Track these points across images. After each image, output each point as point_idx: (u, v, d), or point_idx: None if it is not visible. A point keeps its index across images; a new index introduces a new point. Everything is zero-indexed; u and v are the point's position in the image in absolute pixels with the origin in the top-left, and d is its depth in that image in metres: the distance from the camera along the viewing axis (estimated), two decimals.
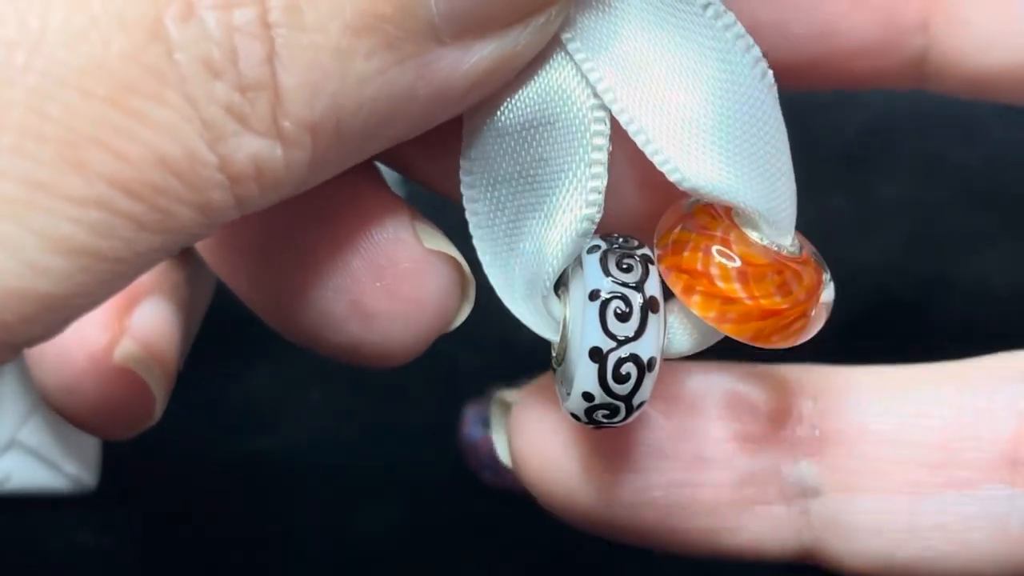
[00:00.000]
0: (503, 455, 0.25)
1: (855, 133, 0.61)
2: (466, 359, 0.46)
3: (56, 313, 0.18)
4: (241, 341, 0.43)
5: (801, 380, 0.23)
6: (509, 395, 0.24)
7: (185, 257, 0.27)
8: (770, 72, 0.20)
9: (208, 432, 0.46)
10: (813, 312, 0.21)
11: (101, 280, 0.18)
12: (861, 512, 0.23)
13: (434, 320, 0.23)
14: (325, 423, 0.47)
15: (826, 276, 0.21)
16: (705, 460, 0.23)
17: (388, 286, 0.22)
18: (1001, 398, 0.23)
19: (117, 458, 0.43)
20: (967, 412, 0.23)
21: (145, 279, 0.30)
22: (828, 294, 0.21)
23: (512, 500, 0.43)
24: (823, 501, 0.23)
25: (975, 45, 0.26)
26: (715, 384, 0.24)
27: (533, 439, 0.24)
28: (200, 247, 0.24)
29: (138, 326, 0.29)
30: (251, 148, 0.18)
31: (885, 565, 0.23)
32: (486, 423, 0.43)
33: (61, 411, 0.29)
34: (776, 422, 0.23)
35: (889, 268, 0.51)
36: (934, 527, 0.23)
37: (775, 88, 0.20)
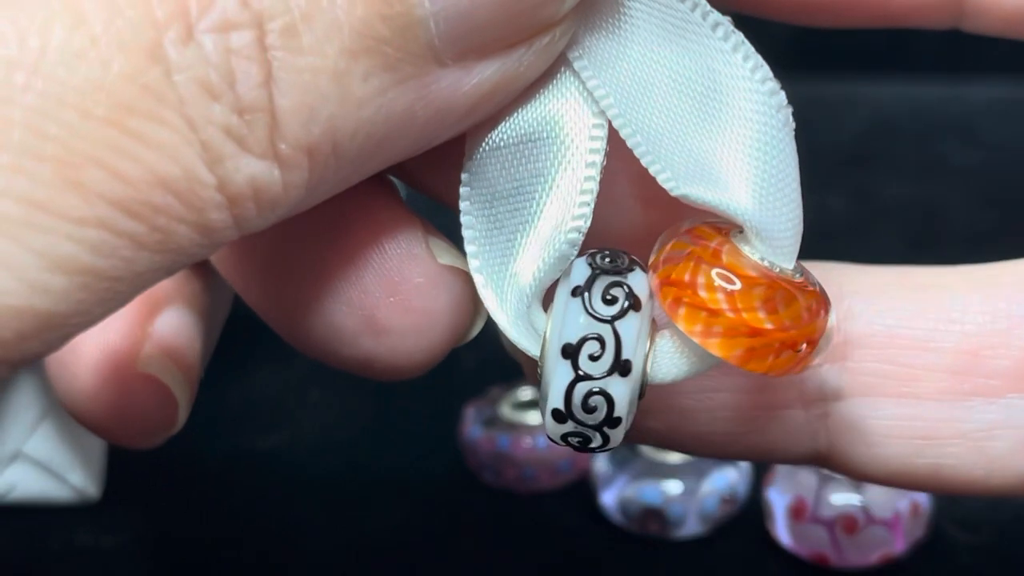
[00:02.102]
0: (507, 343, 0.24)
1: (855, 133, 0.61)
2: (466, 359, 0.46)
3: (54, 331, 0.18)
4: (241, 343, 0.43)
5: (824, 281, 0.23)
6: None
7: (204, 266, 0.27)
8: (781, 93, 0.20)
9: (208, 433, 0.46)
10: (804, 345, 0.20)
11: (100, 299, 0.18)
12: (882, 417, 0.22)
13: (446, 334, 0.23)
14: (325, 423, 0.47)
15: (830, 312, 0.21)
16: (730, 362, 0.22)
17: (401, 301, 0.22)
18: None
19: (117, 459, 0.43)
20: (997, 319, 0.22)
21: (166, 287, 0.30)
22: (829, 327, 0.21)
23: (512, 500, 0.43)
24: (844, 404, 0.23)
25: None
26: None
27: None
28: (214, 260, 0.24)
29: (160, 333, 0.29)
30: (249, 170, 0.18)
31: (902, 471, 0.23)
32: (486, 423, 0.43)
33: (83, 420, 0.29)
34: None
35: None
36: (955, 434, 0.22)
37: (785, 109, 0.20)
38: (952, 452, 0.22)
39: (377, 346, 0.22)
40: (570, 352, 0.20)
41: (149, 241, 0.17)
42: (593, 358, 0.20)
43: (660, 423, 0.23)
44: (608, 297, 0.20)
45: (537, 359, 0.21)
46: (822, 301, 0.21)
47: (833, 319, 0.21)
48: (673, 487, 0.40)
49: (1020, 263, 0.23)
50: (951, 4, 0.27)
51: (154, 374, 0.28)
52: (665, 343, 0.21)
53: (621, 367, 0.20)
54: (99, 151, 0.17)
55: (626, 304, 0.20)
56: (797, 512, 0.39)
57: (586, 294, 0.20)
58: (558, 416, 0.20)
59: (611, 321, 0.20)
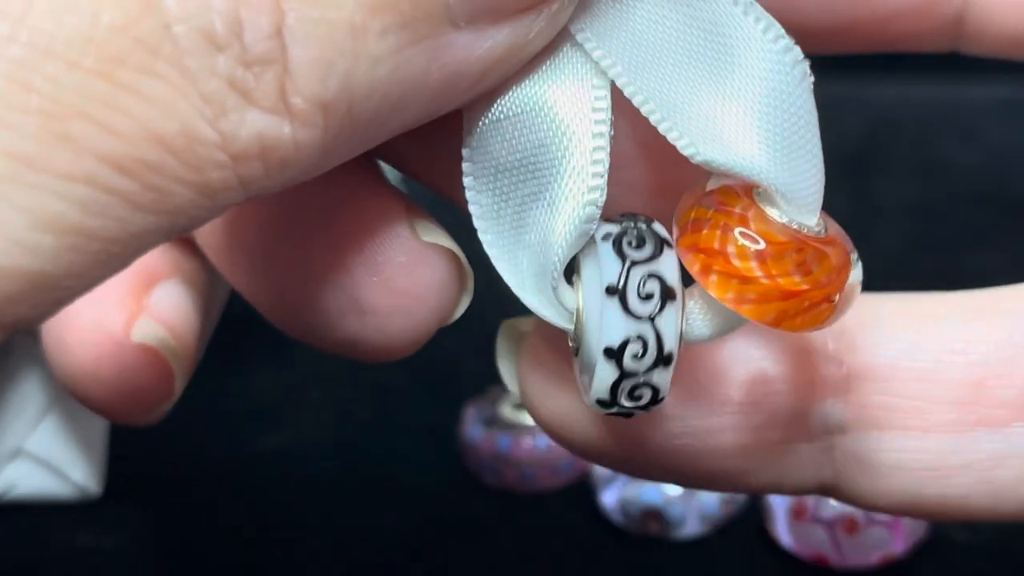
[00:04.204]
0: (510, 384, 0.24)
1: (855, 133, 0.61)
2: (466, 359, 0.46)
3: (45, 293, 0.17)
4: (241, 342, 0.43)
5: None
6: (521, 323, 0.23)
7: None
8: (796, 48, 0.20)
9: (208, 433, 0.46)
10: (838, 296, 0.20)
11: (95, 261, 0.17)
12: (888, 450, 0.22)
13: (432, 313, 0.23)
14: (325, 423, 0.47)
15: (854, 256, 0.20)
16: (734, 403, 0.22)
17: (384, 281, 0.22)
18: None
19: (117, 459, 0.43)
20: (1001, 348, 0.22)
21: (162, 262, 0.30)
22: (856, 275, 0.20)
23: (512, 500, 0.43)
24: (849, 438, 0.22)
25: (1011, 4, 0.26)
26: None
27: (547, 380, 0.23)
28: (201, 243, 0.24)
29: (156, 305, 0.29)
30: (256, 125, 0.17)
31: (909, 502, 0.23)
32: (486, 423, 0.43)
33: (81, 395, 0.29)
34: (801, 359, 0.22)
35: (889, 268, 0.51)
36: (961, 465, 0.22)
37: (802, 63, 0.20)
38: (959, 483, 0.22)
39: (363, 327, 0.22)
40: (614, 352, 0.20)
41: (144, 200, 0.17)
42: (643, 298, 0.20)
43: (671, 465, 0.23)
44: (644, 294, 0.20)
45: (564, 328, 0.21)
46: (847, 250, 0.20)
47: (859, 266, 0.21)
48: (673, 487, 0.40)
49: (1017, 288, 0.23)
50: (950, 31, 0.27)
51: (149, 344, 0.28)
52: (692, 305, 0.21)
53: (665, 360, 0.20)
54: (87, 104, 0.16)
55: (661, 300, 0.20)
56: (797, 512, 0.39)
57: (622, 291, 0.20)
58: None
59: (652, 319, 0.20)
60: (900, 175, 0.58)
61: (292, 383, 0.48)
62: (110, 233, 0.17)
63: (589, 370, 0.20)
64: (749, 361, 0.23)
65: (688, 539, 0.41)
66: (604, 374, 0.20)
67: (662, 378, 0.20)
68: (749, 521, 0.41)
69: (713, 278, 0.20)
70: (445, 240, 0.22)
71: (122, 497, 0.43)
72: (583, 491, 0.42)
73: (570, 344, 0.21)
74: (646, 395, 0.20)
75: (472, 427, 0.43)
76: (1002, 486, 0.22)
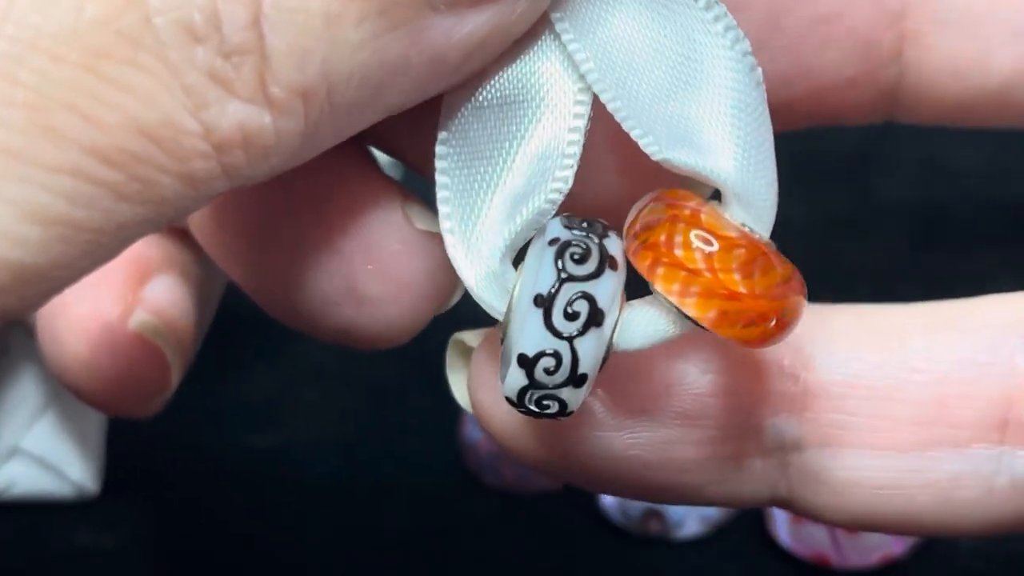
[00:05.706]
0: (460, 398, 0.24)
1: (855, 133, 0.61)
2: None
3: (33, 285, 0.17)
4: (239, 340, 0.43)
5: None
6: (468, 336, 0.23)
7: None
8: (759, 69, 0.20)
9: (207, 431, 0.45)
10: (774, 320, 0.20)
11: (82, 252, 0.17)
12: (843, 467, 0.22)
13: (427, 301, 0.23)
14: (324, 422, 0.47)
15: (804, 289, 0.20)
16: (687, 417, 0.22)
17: (379, 268, 0.22)
18: (997, 353, 0.22)
19: (115, 457, 0.43)
20: (962, 367, 0.22)
21: (157, 255, 0.30)
22: (800, 306, 0.20)
23: (512, 500, 0.43)
24: (804, 455, 0.22)
25: (948, 72, 0.26)
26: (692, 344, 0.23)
27: (497, 392, 0.23)
28: (195, 231, 0.24)
29: (151, 297, 0.29)
30: (238, 115, 0.17)
31: (869, 518, 0.22)
32: None
33: (76, 387, 0.29)
34: (754, 374, 0.22)
35: (889, 268, 0.51)
36: (921, 485, 0.22)
37: (762, 87, 0.20)
38: (919, 501, 0.22)
39: (358, 315, 0.22)
40: (526, 361, 0.20)
41: (129, 191, 0.17)
42: (548, 373, 0.20)
43: (622, 479, 0.23)
44: (570, 313, 0.20)
45: (495, 316, 0.21)
46: (797, 276, 0.20)
47: (805, 298, 0.20)
48: None
49: (981, 302, 0.23)
50: (885, 101, 0.27)
51: (145, 335, 0.28)
52: (633, 312, 0.21)
53: (576, 380, 0.20)
54: (72, 97, 0.17)
55: (586, 322, 0.20)
56: None
57: (547, 305, 0.20)
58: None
59: (570, 339, 0.20)
60: (900, 175, 0.58)
61: (291, 381, 0.48)
62: (96, 224, 0.17)
63: (505, 367, 0.20)
64: (698, 373, 0.22)
65: (688, 539, 0.41)
66: (513, 379, 0.20)
67: (572, 396, 0.20)
68: (749, 521, 0.41)
69: (660, 270, 0.20)
70: (439, 227, 0.22)
71: (120, 496, 0.43)
72: (583, 491, 0.42)
73: (500, 332, 0.21)
74: (553, 407, 0.20)
75: (472, 427, 0.43)
76: (962, 506, 0.22)
